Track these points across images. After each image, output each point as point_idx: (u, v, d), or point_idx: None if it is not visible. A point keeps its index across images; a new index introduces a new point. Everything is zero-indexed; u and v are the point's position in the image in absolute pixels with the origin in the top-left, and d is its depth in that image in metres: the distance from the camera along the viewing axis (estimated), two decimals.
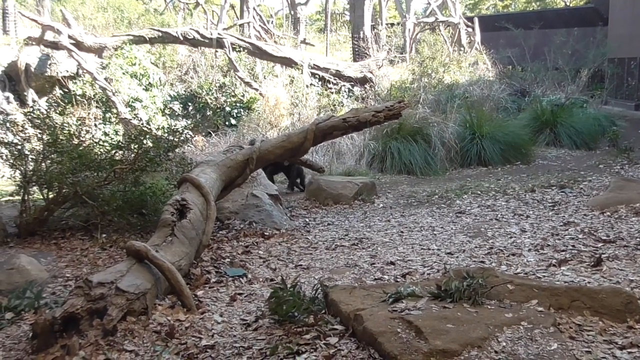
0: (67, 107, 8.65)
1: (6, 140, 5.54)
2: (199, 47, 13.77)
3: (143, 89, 11.96)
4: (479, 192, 7.11)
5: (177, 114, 11.68)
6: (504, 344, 2.64)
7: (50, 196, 5.50)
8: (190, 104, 12.37)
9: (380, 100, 11.17)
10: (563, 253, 4.33)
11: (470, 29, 18.42)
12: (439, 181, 8.44)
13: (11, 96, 11.56)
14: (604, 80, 16.19)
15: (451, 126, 9.76)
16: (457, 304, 3.02)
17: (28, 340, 3.13)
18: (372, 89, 12.96)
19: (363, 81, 13.53)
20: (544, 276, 3.77)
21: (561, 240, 4.72)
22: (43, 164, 5.49)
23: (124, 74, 11.81)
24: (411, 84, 12.54)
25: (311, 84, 12.90)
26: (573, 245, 4.53)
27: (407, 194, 7.54)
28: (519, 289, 3.18)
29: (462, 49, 17.61)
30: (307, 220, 6.33)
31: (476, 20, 18.22)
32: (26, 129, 5.65)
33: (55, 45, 11.83)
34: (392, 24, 20.32)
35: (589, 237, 4.74)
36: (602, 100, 14.47)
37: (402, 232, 5.55)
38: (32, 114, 5.79)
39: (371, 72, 13.70)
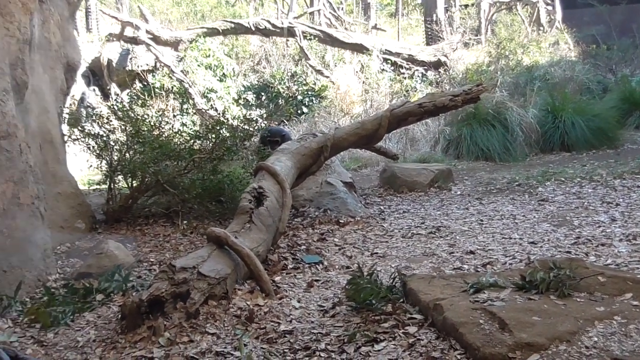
0: (147, 99, 8.94)
1: (93, 132, 5.81)
2: (271, 37, 13.93)
3: (218, 80, 12.22)
4: (563, 179, 6.78)
5: (250, 103, 11.84)
6: (595, 339, 2.51)
7: (134, 185, 5.76)
8: (263, 93, 12.54)
9: (455, 85, 10.84)
10: None
11: (550, 7, 17.54)
12: (519, 167, 8.13)
13: (97, 90, 12.18)
14: None
15: (531, 110, 9.37)
16: (543, 296, 2.90)
17: (117, 320, 3.29)
18: (447, 73, 12.60)
19: (437, 65, 13.22)
20: (638, 268, 3.55)
21: None
22: (127, 154, 5.74)
23: (199, 65, 12.15)
24: (488, 67, 12.14)
25: (383, 70, 12.73)
26: None
27: (485, 181, 7.32)
28: (610, 281, 3.01)
29: (541, 28, 16.83)
30: (381, 207, 6.28)
31: None
32: (111, 121, 5.91)
33: (134, 41, 12.36)
34: (466, 5, 19.66)
35: None
36: None
37: (481, 220, 5.40)
38: (115, 107, 6.06)
39: (445, 56, 13.35)
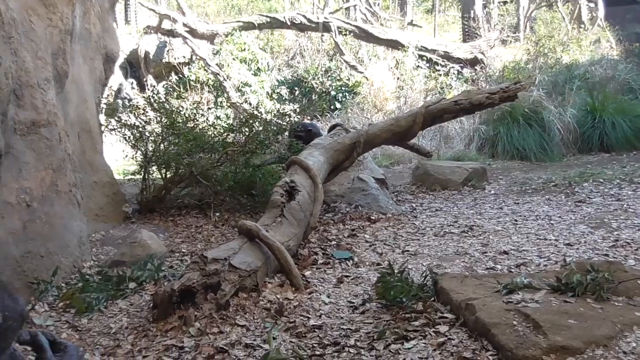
0: (183, 91, 9.10)
1: (129, 123, 5.88)
2: (306, 32, 13.93)
3: (252, 74, 12.27)
4: (602, 180, 6.62)
5: (284, 98, 11.86)
6: (634, 344, 2.42)
7: (168, 176, 5.80)
8: (296, 88, 12.55)
9: (492, 83, 10.67)
10: None
11: (592, 4, 17.09)
12: (555, 168, 7.99)
13: (134, 82, 12.39)
14: None
15: (569, 109, 9.16)
16: (579, 299, 2.82)
17: (149, 309, 3.33)
18: (483, 70, 12.39)
19: (473, 62, 13.02)
20: None
21: None
22: (161, 145, 5.80)
23: (234, 59, 12.23)
24: (526, 65, 11.86)
25: (418, 66, 12.60)
26: None
27: (520, 180, 7.22)
28: None
29: (582, 26, 16.41)
30: (413, 205, 6.24)
31: None
32: (147, 112, 5.98)
33: (171, 33, 12.51)
34: (505, 2, 19.34)
35: None
36: None
37: (515, 220, 5.32)
38: (151, 99, 6.12)
39: (482, 53, 13.14)
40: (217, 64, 11.86)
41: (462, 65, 12.94)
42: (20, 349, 1.61)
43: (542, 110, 9.12)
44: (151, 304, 3.34)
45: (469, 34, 15.42)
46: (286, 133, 6.19)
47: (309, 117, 9.18)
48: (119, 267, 4.06)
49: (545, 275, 3.21)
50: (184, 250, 4.69)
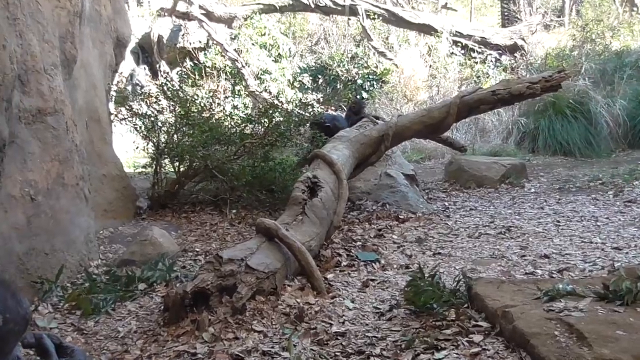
0: (198, 79, 8.99)
1: (140, 112, 5.91)
2: (331, 15, 13.88)
3: (272, 60, 12.26)
4: None
5: (306, 87, 11.83)
6: None
7: (181, 169, 5.84)
8: (320, 76, 12.50)
9: (533, 71, 10.47)
10: None
11: None
12: (602, 164, 7.87)
13: (146, 68, 12.48)
14: None
15: (619, 100, 8.98)
16: (629, 308, 2.76)
17: (160, 312, 3.35)
18: (524, 57, 12.20)
19: (513, 49, 12.81)
20: None
21: None
22: (175, 136, 5.82)
23: (253, 44, 12.24)
24: (570, 52, 11.68)
25: (452, 53, 12.46)
26: None
27: (563, 178, 7.14)
28: None
29: (634, 9, 16.07)
30: (446, 204, 6.22)
31: None
32: (159, 100, 6.00)
33: (186, 16, 12.56)
34: None
35: None
36: None
37: (558, 221, 5.27)
38: (165, 86, 6.17)
39: (522, 39, 12.94)
40: (235, 50, 11.88)
41: (500, 52, 12.74)
42: (23, 353, 1.61)
43: (588, 102, 8.96)
44: (162, 307, 3.35)
45: (508, 18, 15.21)
46: (308, 124, 6.14)
47: (333, 108, 9.20)
48: (128, 266, 4.10)
49: (591, 282, 3.15)
50: (197, 250, 4.71)
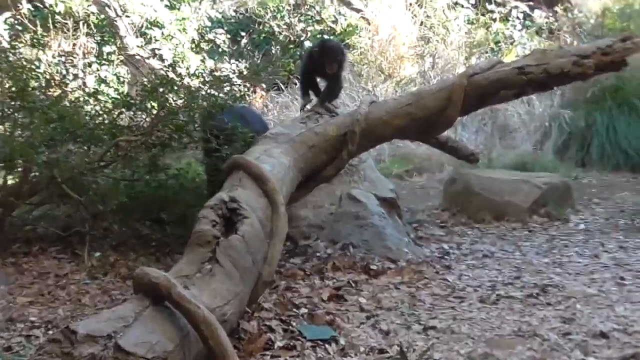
0: (42, 33, 7.44)
1: None
2: None
3: (166, 5, 10.22)
4: None
5: (221, 50, 10.13)
6: None
7: (10, 182, 4.90)
8: (243, 33, 10.76)
9: (584, 37, 8.99)
10: None
11: None
12: None
13: None
14: None
15: None
16: None
17: None
18: (569, 14, 10.32)
19: (551, 1, 10.76)
20: None
21: None
22: (1, 128, 4.84)
23: None
24: None
25: (456, 4, 10.46)
26: None
27: (630, 207, 6.20)
28: None
29: None
30: (445, 246, 5.28)
31: None
32: None
33: None
34: None
35: None
36: None
37: (622, 277, 4.38)
38: None
39: None
40: None
41: (532, 4, 10.82)
42: None
43: None
44: None
45: None
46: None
47: (264, 87, 7.44)
48: None
49: None
50: (33, 319, 3.92)
